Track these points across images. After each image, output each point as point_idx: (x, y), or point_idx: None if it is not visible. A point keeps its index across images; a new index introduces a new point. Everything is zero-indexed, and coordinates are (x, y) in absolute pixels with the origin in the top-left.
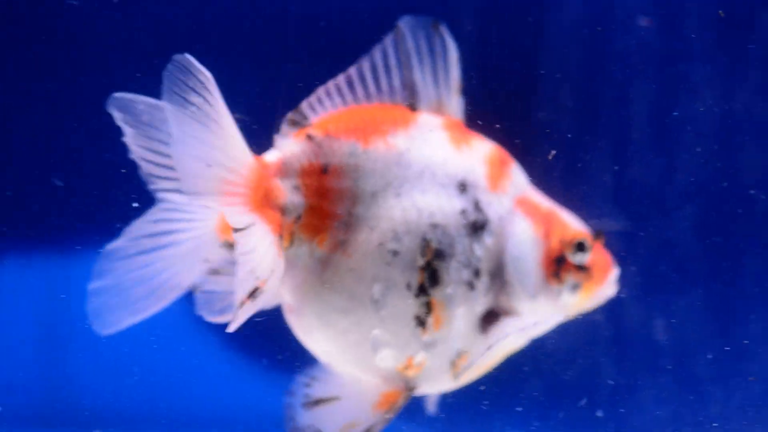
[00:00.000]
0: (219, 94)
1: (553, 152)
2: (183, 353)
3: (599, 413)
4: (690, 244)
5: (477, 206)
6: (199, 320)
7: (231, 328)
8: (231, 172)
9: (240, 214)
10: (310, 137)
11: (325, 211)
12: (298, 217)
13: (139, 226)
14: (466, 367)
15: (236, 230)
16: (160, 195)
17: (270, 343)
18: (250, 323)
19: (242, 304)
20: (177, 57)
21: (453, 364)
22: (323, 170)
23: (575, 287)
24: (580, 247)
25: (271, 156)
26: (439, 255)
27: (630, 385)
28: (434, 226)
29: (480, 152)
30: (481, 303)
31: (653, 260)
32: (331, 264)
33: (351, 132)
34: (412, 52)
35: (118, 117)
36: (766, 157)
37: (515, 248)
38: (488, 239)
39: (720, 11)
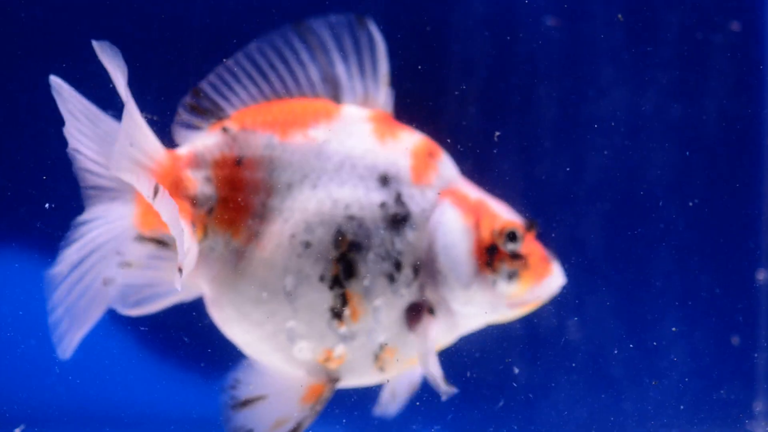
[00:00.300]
0: (125, 87)
1: (498, 134)
2: (104, 352)
3: (514, 413)
4: (599, 243)
5: (398, 199)
6: (121, 318)
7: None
8: (143, 156)
9: (150, 184)
10: (225, 130)
11: (238, 203)
12: (210, 210)
13: (67, 244)
14: (390, 362)
15: (154, 198)
16: (87, 194)
17: (191, 341)
18: (172, 322)
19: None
20: (94, 44)
21: (377, 357)
22: (237, 162)
23: (512, 276)
24: (511, 236)
25: (184, 148)
26: (355, 247)
27: (544, 384)
28: (350, 218)
29: (405, 144)
30: (403, 296)
31: (563, 259)
32: (245, 256)
33: (268, 125)
34: (330, 48)
35: (60, 102)
36: (673, 157)
37: (444, 238)
38: (410, 232)
39: (619, 15)
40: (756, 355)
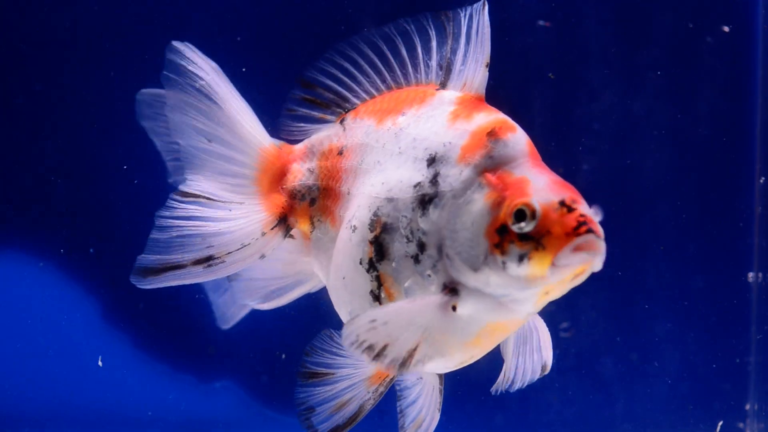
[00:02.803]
0: (224, 81)
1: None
2: (100, 354)
3: (505, 413)
4: None
5: (434, 179)
6: (117, 321)
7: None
8: (236, 152)
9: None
10: (342, 121)
11: (334, 191)
12: (313, 200)
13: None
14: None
15: (202, 198)
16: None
17: (181, 344)
18: (168, 325)
19: (180, 266)
20: (177, 44)
21: None
22: (339, 152)
23: (522, 258)
24: (519, 215)
25: (303, 142)
26: (386, 229)
27: (536, 384)
28: (389, 201)
29: (472, 125)
30: (430, 276)
31: None
32: (335, 242)
33: (373, 113)
34: (459, 36)
35: (142, 116)
36: (665, 159)
37: (457, 219)
38: (434, 212)
39: (550, 74)
40: (747, 355)
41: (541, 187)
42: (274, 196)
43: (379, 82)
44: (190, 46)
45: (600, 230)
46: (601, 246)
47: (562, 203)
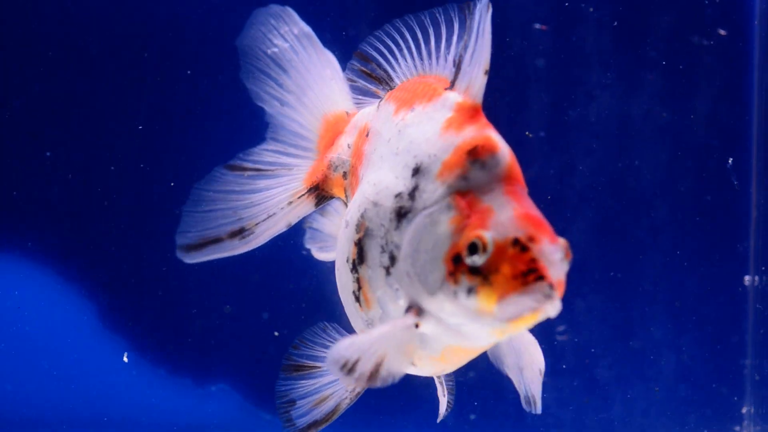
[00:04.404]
0: (306, 47)
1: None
2: (98, 357)
3: (502, 415)
4: (588, 246)
5: (412, 192)
6: (115, 324)
7: (189, 260)
8: (301, 115)
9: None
10: (380, 101)
11: (356, 172)
12: (345, 175)
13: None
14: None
15: (250, 170)
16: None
17: (177, 347)
18: (165, 328)
19: (218, 239)
20: (276, 7)
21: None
22: (366, 133)
23: (470, 291)
24: (472, 248)
25: (356, 114)
26: (368, 234)
27: None
28: (375, 205)
29: (459, 138)
30: (398, 292)
31: None
32: None
33: (396, 100)
34: (472, 32)
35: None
36: (662, 161)
37: (421, 239)
38: (406, 227)
39: (527, 132)
40: (744, 358)
41: (502, 220)
42: (320, 162)
43: (413, 67)
44: (277, 10)
45: (554, 276)
46: (551, 295)
47: (516, 242)
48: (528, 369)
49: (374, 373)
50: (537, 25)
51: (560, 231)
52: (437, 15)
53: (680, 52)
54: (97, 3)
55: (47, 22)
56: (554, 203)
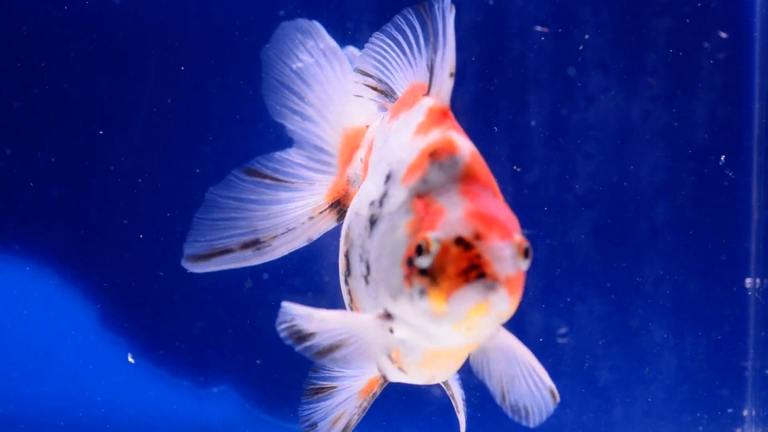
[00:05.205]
0: (340, 63)
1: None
2: (98, 358)
3: (501, 418)
4: (589, 249)
5: (382, 199)
6: (115, 325)
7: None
8: (322, 130)
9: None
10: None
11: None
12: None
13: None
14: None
15: (269, 178)
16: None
17: (179, 349)
18: (166, 329)
19: (228, 250)
20: (302, 21)
21: (390, 357)
22: (371, 146)
23: (422, 293)
24: (419, 250)
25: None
26: (351, 245)
27: None
28: (357, 215)
29: (424, 142)
30: (376, 300)
31: (553, 265)
32: None
33: (390, 110)
34: (437, 33)
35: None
36: (662, 164)
37: (383, 245)
38: (375, 235)
39: (516, 167)
40: (745, 361)
41: (451, 219)
42: (341, 178)
43: (405, 77)
44: (304, 24)
45: (500, 271)
46: (493, 287)
47: (460, 240)
48: (520, 379)
49: (325, 353)
50: (538, 28)
51: (560, 234)
52: (399, 22)
53: (681, 55)
54: (97, 3)
55: (47, 22)
56: (555, 206)
